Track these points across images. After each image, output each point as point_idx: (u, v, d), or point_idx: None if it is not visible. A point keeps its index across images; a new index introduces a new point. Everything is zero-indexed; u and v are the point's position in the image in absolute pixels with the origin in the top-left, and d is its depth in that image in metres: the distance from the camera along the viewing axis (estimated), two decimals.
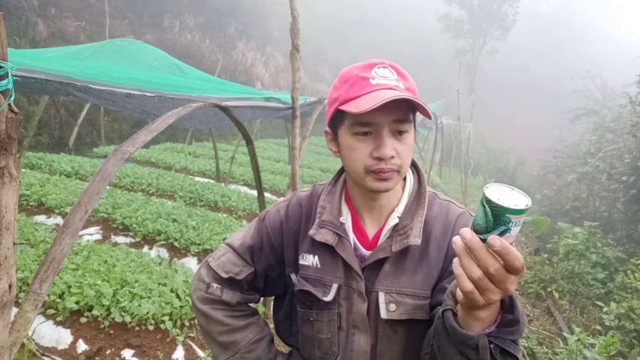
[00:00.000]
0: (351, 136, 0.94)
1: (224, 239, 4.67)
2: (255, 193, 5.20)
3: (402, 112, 0.91)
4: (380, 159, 0.91)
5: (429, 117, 0.94)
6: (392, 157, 0.92)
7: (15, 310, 1.21)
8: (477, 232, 0.66)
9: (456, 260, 0.69)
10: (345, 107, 0.92)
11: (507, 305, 0.73)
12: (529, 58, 35.90)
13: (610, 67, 22.81)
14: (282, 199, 1.19)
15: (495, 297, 0.67)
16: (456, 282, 0.74)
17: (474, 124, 16.32)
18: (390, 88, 0.90)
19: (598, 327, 4.46)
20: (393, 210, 1.02)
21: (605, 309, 4.34)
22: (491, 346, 0.72)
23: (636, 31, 37.28)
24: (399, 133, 0.93)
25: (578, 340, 3.09)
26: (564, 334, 4.25)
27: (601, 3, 42.20)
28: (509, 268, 0.64)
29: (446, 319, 0.77)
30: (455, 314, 0.77)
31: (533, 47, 36.23)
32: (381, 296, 0.97)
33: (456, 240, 0.69)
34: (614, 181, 8.09)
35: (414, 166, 1.09)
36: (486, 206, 0.65)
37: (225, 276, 1.10)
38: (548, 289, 5.58)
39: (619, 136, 9.96)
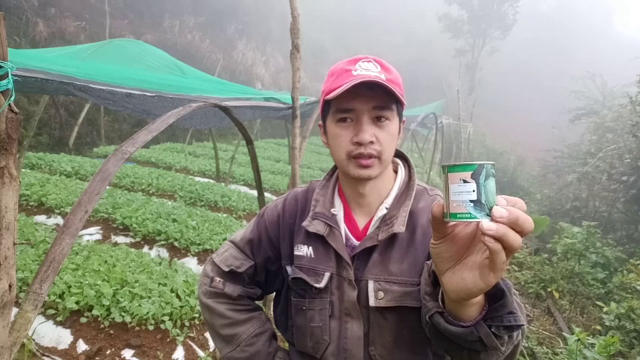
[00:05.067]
0: (335, 123, 0.99)
1: (224, 239, 4.67)
2: (255, 193, 5.21)
3: (381, 99, 0.95)
4: (359, 144, 0.95)
5: (403, 103, 0.98)
6: (371, 143, 0.95)
7: (15, 310, 1.21)
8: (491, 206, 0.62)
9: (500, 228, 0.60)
10: (326, 97, 0.98)
11: None
12: (529, 57, 35.91)
13: (610, 67, 22.82)
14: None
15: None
16: (426, 280, 0.78)
17: (473, 124, 16.34)
18: (369, 77, 0.93)
19: (598, 327, 4.46)
20: (383, 201, 1.06)
21: (605, 309, 4.35)
22: (492, 329, 0.71)
23: (636, 30, 37.26)
24: (378, 120, 0.96)
25: (578, 340, 3.09)
26: (564, 334, 4.25)
27: (601, 3, 42.19)
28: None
29: (437, 324, 0.75)
30: (442, 313, 0.75)
31: (533, 47, 36.24)
32: (370, 284, 1.00)
33: (499, 213, 0.61)
34: (614, 181, 8.10)
35: (405, 160, 1.13)
36: (493, 176, 0.63)
37: (226, 269, 1.15)
38: (548, 289, 5.57)
39: (619, 136, 9.96)
